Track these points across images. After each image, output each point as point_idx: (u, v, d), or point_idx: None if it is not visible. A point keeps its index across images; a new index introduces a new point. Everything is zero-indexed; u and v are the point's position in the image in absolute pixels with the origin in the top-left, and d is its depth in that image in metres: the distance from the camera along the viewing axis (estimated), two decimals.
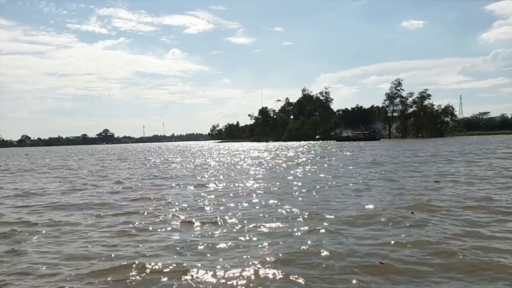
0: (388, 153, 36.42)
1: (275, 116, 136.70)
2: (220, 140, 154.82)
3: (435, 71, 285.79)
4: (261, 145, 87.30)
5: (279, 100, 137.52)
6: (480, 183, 13.48)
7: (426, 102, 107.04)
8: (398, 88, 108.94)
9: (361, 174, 17.98)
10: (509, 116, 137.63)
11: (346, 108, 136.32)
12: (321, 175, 18.08)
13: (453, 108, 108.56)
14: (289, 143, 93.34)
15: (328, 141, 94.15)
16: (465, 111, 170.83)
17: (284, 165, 25.29)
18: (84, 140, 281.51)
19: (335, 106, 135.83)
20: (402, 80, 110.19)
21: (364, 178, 16.04)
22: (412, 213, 8.83)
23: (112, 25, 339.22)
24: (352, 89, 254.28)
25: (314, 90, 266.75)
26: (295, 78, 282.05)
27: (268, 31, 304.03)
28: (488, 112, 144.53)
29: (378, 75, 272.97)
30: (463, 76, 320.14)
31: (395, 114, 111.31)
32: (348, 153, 38.33)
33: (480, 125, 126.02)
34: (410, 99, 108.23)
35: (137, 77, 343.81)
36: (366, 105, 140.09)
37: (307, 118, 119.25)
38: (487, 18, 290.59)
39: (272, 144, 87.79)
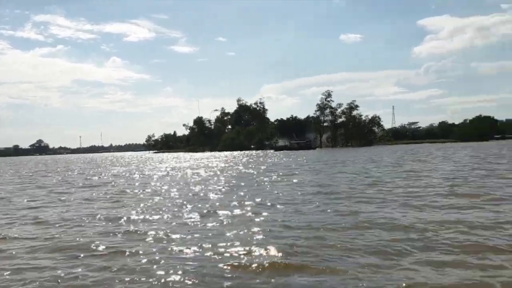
0: (321, 159, 36.89)
1: (211, 126, 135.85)
2: (156, 151, 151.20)
3: (372, 83, 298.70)
4: (189, 155, 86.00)
5: (216, 110, 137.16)
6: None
7: (354, 112, 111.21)
8: (328, 99, 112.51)
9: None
10: (436, 126, 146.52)
11: (282, 118, 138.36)
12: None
13: (379, 119, 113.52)
14: (224, 153, 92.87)
15: (267, 151, 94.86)
16: (400, 121, 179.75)
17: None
18: (15, 151, 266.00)
19: (279, 116, 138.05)
20: (332, 91, 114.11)
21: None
22: None
23: (49, 32, 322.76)
24: (294, 99, 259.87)
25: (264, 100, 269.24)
26: (239, 88, 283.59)
27: (212, 41, 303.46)
28: (417, 122, 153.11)
29: (318, 86, 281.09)
30: (398, 87, 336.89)
31: (326, 124, 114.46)
32: (277, 160, 38.31)
33: (407, 135, 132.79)
34: (339, 110, 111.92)
35: (76, 85, 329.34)
36: (306, 116, 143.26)
37: (243, 128, 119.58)
38: (419, 33, 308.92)
39: (200, 155, 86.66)
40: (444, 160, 32.21)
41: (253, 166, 33.55)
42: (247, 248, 6.91)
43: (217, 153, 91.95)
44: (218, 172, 26.96)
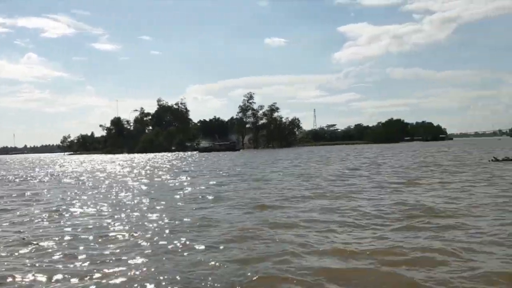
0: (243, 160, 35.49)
1: (131, 127, 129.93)
2: (72, 152, 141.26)
3: (296, 86, 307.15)
4: (101, 157, 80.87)
5: (135, 110, 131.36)
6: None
7: (275, 114, 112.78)
8: (250, 101, 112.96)
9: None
10: (353, 128, 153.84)
11: (205, 120, 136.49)
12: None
13: (299, 121, 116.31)
14: (142, 155, 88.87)
15: (189, 152, 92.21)
16: (322, 123, 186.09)
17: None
18: None
19: (205, 117, 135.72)
20: (253, 93, 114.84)
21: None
22: None
23: None
24: (221, 101, 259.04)
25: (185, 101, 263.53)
26: (165, 88, 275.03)
27: (135, 39, 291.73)
28: (335, 125, 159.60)
29: (245, 88, 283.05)
30: (319, 91, 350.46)
31: (248, 126, 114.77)
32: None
33: (325, 136, 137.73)
34: (260, 112, 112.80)
35: None
36: (230, 117, 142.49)
37: (162, 130, 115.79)
38: (339, 39, 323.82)
39: (110, 157, 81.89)
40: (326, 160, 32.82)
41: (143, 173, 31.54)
42: None
43: (132, 155, 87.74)
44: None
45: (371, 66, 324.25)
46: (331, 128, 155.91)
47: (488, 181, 15.10)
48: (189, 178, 21.12)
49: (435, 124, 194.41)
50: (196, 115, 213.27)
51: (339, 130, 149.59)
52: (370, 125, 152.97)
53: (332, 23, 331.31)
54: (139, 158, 67.33)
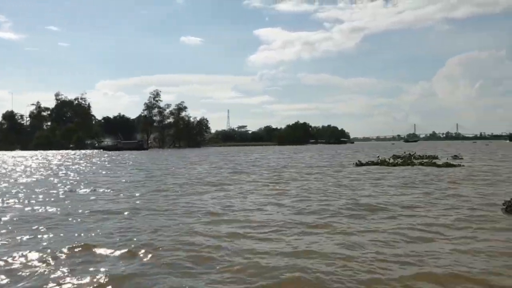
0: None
1: (26, 122, 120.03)
2: None
3: (212, 86, 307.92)
4: None
5: (32, 104, 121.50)
6: None
7: (183, 114, 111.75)
8: (157, 98, 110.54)
9: None
10: (262, 130, 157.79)
11: (108, 117, 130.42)
12: None
13: (207, 121, 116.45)
14: (35, 152, 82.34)
15: (90, 151, 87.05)
16: (236, 124, 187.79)
17: None
18: None
19: (114, 114, 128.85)
20: (160, 91, 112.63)
21: None
22: None
23: None
24: (133, 98, 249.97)
25: (93, 96, 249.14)
26: (73, 82, 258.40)
27: (42, 29, 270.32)
28: (245, 126, 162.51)
29: (158, 86, 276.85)
30: (235, 92, 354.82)
31: (155, 124, 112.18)
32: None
33: (235, 137, 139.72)
34: (167, 110, 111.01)
35: None
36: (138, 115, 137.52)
37: (57, 125, 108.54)
38: (254, 42, 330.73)
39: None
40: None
41: None
42: None
43: (25, 152, 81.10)
44: None
45: (284, 70, 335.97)
46: (242, 129, 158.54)
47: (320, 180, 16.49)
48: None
49: (340, 128, 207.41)
50: (108, 112, 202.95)
51: (249, 132, 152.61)
52: (282, 127, 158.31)
53: (248, 26, 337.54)
54: (33, 155, 62.54)
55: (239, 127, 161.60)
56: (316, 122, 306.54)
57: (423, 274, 5.08)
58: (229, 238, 6.81)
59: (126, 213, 9.24)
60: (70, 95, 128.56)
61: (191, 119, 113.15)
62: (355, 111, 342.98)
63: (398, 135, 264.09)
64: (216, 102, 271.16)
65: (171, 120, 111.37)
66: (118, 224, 8.05)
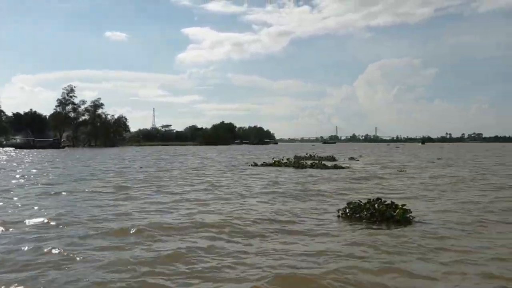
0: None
1: None
2: None
3: (138, 83, 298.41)
4: None
5: None
6: None
7: (100, 111, 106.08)
8: (71, 94, 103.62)
9: None
10: (187, 129, 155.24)
11: (18, 113, 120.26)
12: None
13: (126, 119, 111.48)
14: None
15: (11, 149, 78.22)
16: (163, 123, 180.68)
17: None
18: None
19: (35, 109, 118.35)
20: (75, 86, 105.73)
21: None
22: None
23: None
24: (54, 93, 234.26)
25: (8, 91, 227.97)
26: None
27: None
28: (170, 125, 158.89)
29: (82, 81, 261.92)
30: (162, 90, 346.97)
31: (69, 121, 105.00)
32: None
33: (157, 136, 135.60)
34: (82, 107, 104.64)
35: None
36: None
37: None
38: (183, 40, 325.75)
39: None
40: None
41: None
42: None
43: None
44: None
45: (214, 70, 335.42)
46: (166, 129, 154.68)
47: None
48: None
49: (266, 129, 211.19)
50: (25, 108, 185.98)
51: (173, 131, 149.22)
52: (209, 127, 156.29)
53: (176, 24, 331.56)
54: None
55: (163, 126, 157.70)
56: (246, 122, 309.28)
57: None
58: None
59: None
60: None
61: (109, 117, 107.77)
62: (283, 113, 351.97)
63: (322, 137, 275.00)
64: (142, 100, 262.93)
65: (86, 117, 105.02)
66: None
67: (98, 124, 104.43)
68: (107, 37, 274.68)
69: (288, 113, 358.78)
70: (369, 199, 8.97)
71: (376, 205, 8.36)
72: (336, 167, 23.64)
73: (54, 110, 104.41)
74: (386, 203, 8.47)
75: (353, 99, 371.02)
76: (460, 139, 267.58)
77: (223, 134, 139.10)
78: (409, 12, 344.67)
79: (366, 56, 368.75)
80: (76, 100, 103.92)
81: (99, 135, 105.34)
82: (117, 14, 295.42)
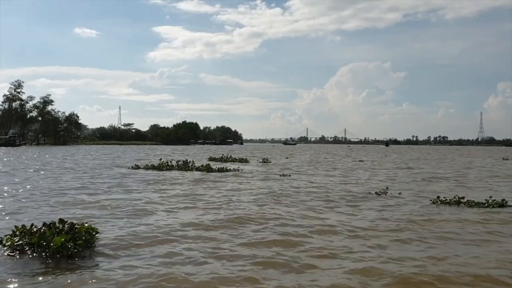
0: None
1: None
2: None
3: (108, 81, 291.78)
4: None
5: None
6: None
7: (49, 108, 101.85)
8: (19, 90, 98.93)
9: None
10: (149, 129, 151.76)
11: None
12: None
13: (77, 117, 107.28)
14: None
15: None
16: (132, 121, 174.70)
17: None
18: None
19: None
20: (23, 82, 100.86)
21: None
22: None
23: None
24: (19, 90, 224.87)
25: None
26: None
27: None
28: (132, 124, 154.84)
29: (49, 78, 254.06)
30: (132, 89, 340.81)
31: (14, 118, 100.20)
32: None
33: (115, 135, 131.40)
34: (30, 104, 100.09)
35: None
36: None
37: None
38: (154, 38, 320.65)
39: None
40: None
41: None
42: None
43: None
44: None
45: (186, 69, 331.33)
46: (127, 128, 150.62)
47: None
48: None
49: (234, 129, 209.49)
50: None
51: (133, 130, 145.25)
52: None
53: (147, 22, 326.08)
54: None
55: (125, 124, 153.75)
56: (216, 122, 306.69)
57: None
58: None
59: None
60: None
61: (59, 114, 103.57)
62: (254, 113, 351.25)
63: (291, 138, 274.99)
64: (111, 98, 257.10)
65: (34, 114, 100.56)
66: None
67: (49, 120, 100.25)
68: (76, 33, 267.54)
69: (259, 113, 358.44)
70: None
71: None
72: (221, 170, 22.10)
73: (1, 106, 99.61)
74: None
75: (324, 101, 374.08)
76: (427, 142, 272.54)
77: (184, 134, 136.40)
78: (378, 17, 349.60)
79: (337, 59, 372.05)
80: (24, 96, 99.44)
81: (49, 133, 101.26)
82: (87, 10, 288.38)
